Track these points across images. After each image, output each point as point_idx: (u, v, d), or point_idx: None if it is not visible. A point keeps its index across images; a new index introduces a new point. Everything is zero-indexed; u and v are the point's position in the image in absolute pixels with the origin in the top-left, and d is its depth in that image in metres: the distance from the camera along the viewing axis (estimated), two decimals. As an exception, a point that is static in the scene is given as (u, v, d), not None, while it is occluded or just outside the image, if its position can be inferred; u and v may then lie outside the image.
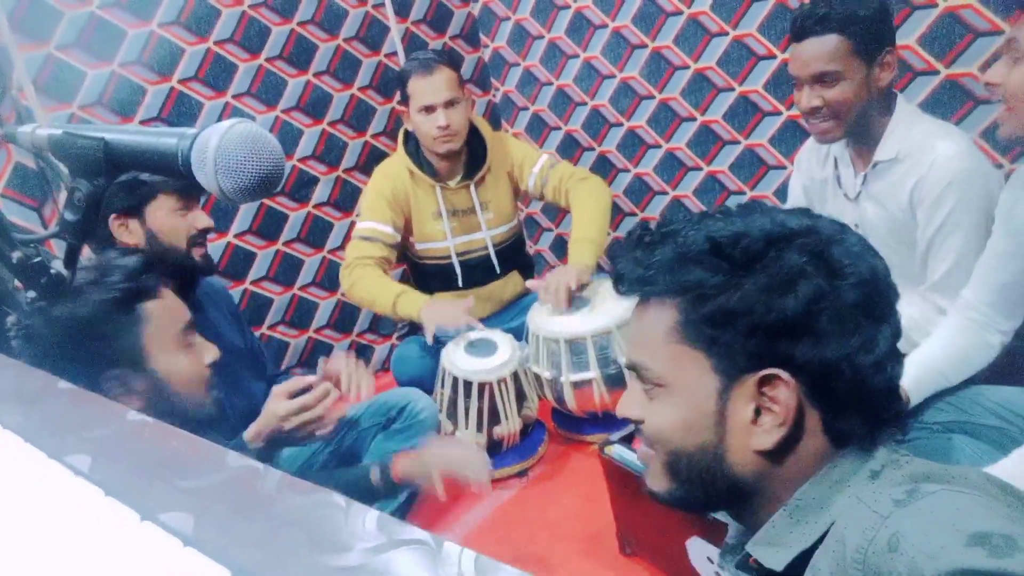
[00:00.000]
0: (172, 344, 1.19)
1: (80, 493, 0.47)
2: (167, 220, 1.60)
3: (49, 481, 0.49)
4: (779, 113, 2.28)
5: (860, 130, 1.64)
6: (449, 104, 2.21)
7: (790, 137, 2.28)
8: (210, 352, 1.27)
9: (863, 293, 0.69)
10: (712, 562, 1.44)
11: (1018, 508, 0.60)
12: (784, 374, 0.69)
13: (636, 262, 0.74)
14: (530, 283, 2.26)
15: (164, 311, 1.20)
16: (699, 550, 1.46)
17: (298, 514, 0.40)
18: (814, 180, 1.86)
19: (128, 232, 1.60)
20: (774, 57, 2.21)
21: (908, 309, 1.57)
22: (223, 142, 0.66)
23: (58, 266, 0.77)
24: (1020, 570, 0.51)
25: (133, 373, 1.15)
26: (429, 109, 2.20)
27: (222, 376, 1.62)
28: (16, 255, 0.75)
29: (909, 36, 1.89)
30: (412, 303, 2.15)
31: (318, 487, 0.41)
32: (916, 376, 1.42)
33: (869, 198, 1.68)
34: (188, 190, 1.61)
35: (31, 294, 0.78)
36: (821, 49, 1.54)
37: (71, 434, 0.56)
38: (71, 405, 0.62)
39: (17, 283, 0.81)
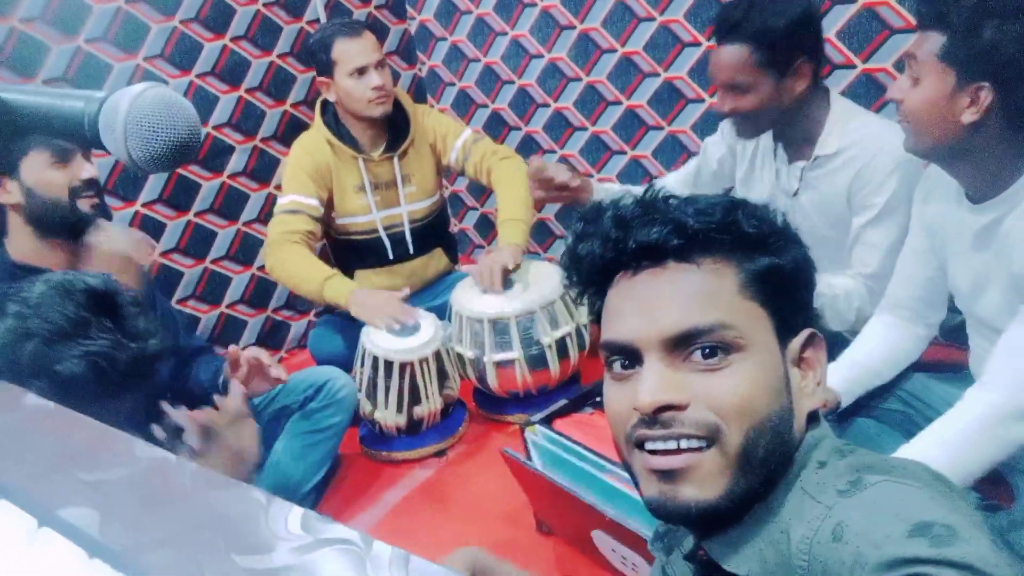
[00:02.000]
0: None
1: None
2: (44, 174, 1.54)
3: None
4: (702, 100, 2.31)
5: (788, 130, 1.69)
6: (379, 65, 2.16)
7: (712, 125, 2.31)
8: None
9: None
10: (616, 552, 1.47)
11: (955, 498, 0.62)
12: (818, 333, 0.72)
13: (695, 217, 0.68)
14: (465, 267, 2.23)
15: None
16: (604, 541, 1.49)
17: (215, 511, 0.38)
18: (739, 164, 1.89)
19: (6, 192, 1.54)
20: (699, 44, 2.24)
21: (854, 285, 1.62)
22: (134, 107, 0.61)
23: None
24: (960, 558, 0.52)
25: None
26: (361, 71, 2.14)
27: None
28: None
29: (829, 30, 1.94)
30: (340, 289, 2.09)
31: (236, 481, 0.39)
32: (851, 377, 1.45)
33: (807, 189, 1.72)
34: (64, 144, 1.54)
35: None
36: (731, 59, 1.57)
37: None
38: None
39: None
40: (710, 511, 0.66)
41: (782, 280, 0.70)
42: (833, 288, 1.61)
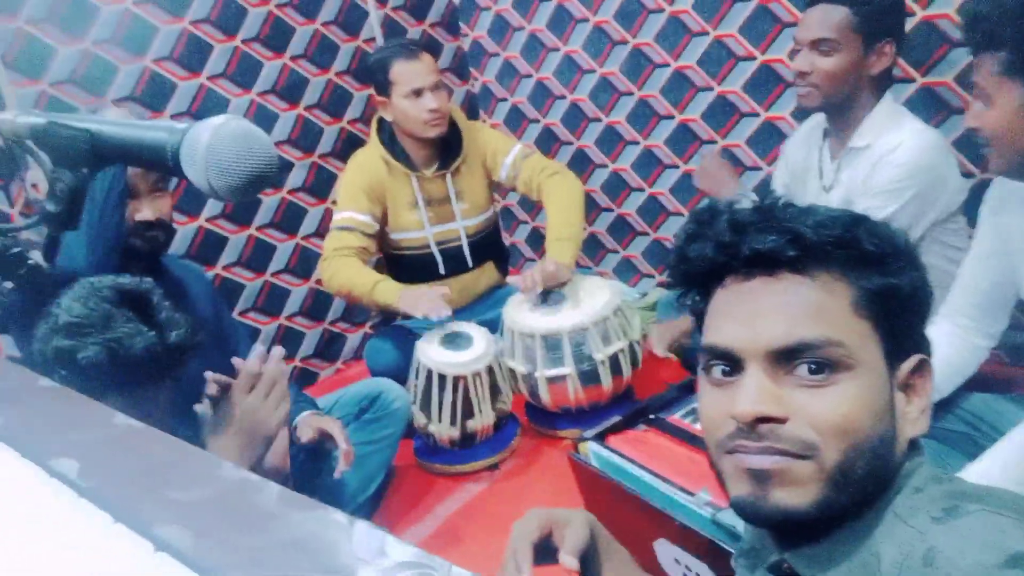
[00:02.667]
0: None
1: (68, 504, 0.46)
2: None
3: (33, 490, 0.48)
4: (756, 115, 2.30)
5: (842, 113, 1.69)
6: (436, 87, 2.19)
7: (766, 139, 2.30)
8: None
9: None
10: (679, 563, 1.46)
11: None
12: (928, 360, 0.71)
13: (813, 230, 0.66)
14: (512, 279, 2.25)
15: None
16: (666, 552, 1.48)
17: (298, 532, 0.40)
18: (796, 170, 1.89)
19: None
20: (753, 59, 2.23)
21: None
22: (215, 139, 0.64)
23: (37, 257, 0.75)
24: None
25: None
26: (418, 93, 2.18)
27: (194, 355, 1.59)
28: (-7, 245, 0.73)
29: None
30: (389, 290, 2.14)
31: (318, 503, 0.41)
32: None
33: (839, 185, 1.72)
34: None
35: (8, 284, 0.76)
36: (826, 16, 1.61)
37: (55, 436, 0.55)
38: (53, 405, 0.61)
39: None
40: (798, 518, 0.65)
41: (897, 302, 0.68)
42: None
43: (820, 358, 0.64)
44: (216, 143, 0.64)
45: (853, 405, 0.64)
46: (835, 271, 0.67)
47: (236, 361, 1.12)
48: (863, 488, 0.65)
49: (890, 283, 0.67)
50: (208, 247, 2.43)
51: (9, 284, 0.76)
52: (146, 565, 0.38)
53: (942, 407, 1.48)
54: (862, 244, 0.66)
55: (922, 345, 0.72)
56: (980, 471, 1.12)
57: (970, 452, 1.45)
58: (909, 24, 1.87)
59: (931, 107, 1.91)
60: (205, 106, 2.35)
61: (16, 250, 0.74)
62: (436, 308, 2.06)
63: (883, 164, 1.62)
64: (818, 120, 1.85)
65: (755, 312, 0.67)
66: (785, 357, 0.65)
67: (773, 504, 0.65)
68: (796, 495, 0.64)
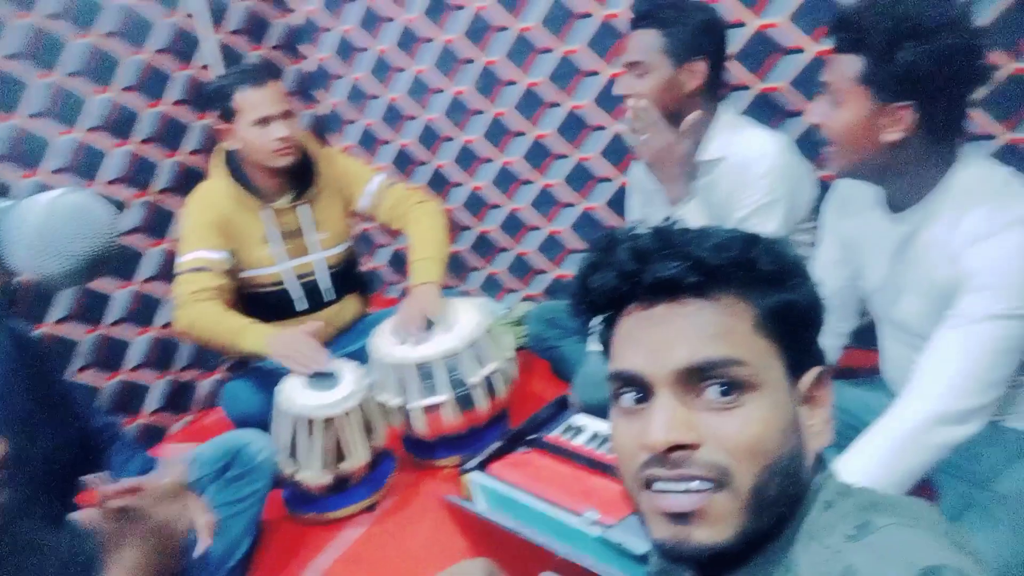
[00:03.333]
0: None
1: None
2: None
3: None
4: (605, 127, 2.33)
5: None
6: (285, 115, 2.07)
7: (619, 150, 2.34)
8: None
9: None
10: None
11: (958, 537, 0.62)
12: (826, 371, 0.71)
13: (712, 253, 0.67)
14: (384, 325, 2.14)
15: None
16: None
17: None
18: (647, 191, 1.93)
19: None
20: (597, 73, 2.26)
21: None
22: (49, 220, 0.53)
23: None
24: None
25: None
26: (265, 121, 2.05)
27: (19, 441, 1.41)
28: None
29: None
30: (257, 337, 2.00)
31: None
32: None
33: (692, 196, 1.76)
34: None
35: None
36: (639, 40, 1.69)
37: None
38: None
39: None
40: (723, 553, 0.65)
41: (795, 317, 0.69)
42: None
43: (727, 378, 0.65)
44: (48, 225, 0.53)
45: (762, 425, 0.65)
46: (735, 292, 0.68)
47: (133, 482, 1.05)
48: (778, 509, 0.66)
49: (788, 300, 0.68)
50: (33, 301, 2.19)
51: None
52: None
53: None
54: (759, 264, 0.68)
55: (819, 356, 0.72)
56: (854, 463, 1.15)
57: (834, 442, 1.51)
58: (746, 33, 1.95)
59: (768, 112, 2.00)
60: (26, 147, 2.13)
61: None
62: (315, 361, 1.94)
63: (746, 177, 1.68)
64: None
65: (661, 338, 0.68)
66: (692, 379, 0.66)
67: (695, 544, 0.65)
68: (716, 531, 0.64)
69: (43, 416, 1.50)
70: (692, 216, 1.74)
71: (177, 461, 1.08)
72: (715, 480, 0.64)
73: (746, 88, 2.01)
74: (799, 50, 1.92)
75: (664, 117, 1.68)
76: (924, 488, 1.41)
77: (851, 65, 1.22)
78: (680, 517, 0.65)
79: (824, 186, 1.72)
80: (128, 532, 1.04)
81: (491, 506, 1.58)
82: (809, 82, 1.92)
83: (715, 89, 1.75)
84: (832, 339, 1.55)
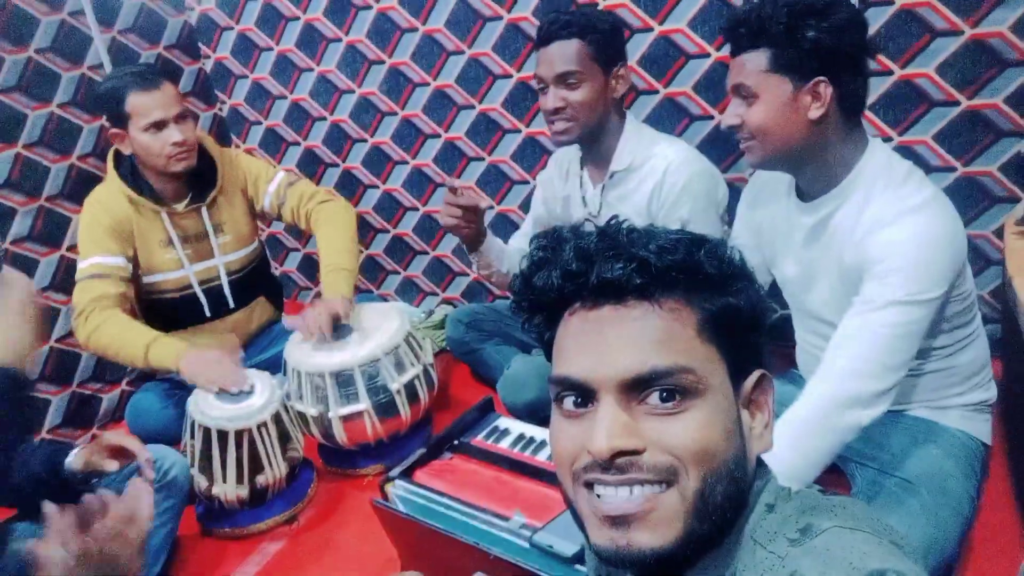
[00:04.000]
0: None
1: None
2: None
3: None
4: (519, 131, 2.35)
5: (595, 140, 1.78)
6: (179, 118, 1.99)
7: (531, 153, 2.36)
8: None
9: None
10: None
11: (896, 538, 0.63)
12: (768, 374, 0.71)
13: (657, 255, 0.66)
14: (287, 321, 2.10)
15: None
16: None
17: None
18: (556, 196, 1.96)
19: None
20: (510, 76, 2.28)
21: None
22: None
23: None
24: None
25: None
26: (159, 125, 1.97)
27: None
28: None
29: (632, 57, 2.03)
30: (167, 353, 1.92)
31: None
32: None
33: (608, 208, 1.81)
34: None
35: None
36: (565, 51, 1.68)
37: None
38: None
39: None
40: (665, 557, 0.64)
41: (738, 321, 0.68)
42: None
43: (671, 385, 0.65)
44: None
45: (706, 430, 0.65)
46: (679, 296, 0.67)
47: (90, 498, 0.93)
48: (722, 514, 0.66)
49: (731, 304, 0.68)
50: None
51: None
52: None
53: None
54: (704, 267, 0.67)
55: (761, 360, 0.73)
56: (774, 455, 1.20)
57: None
58: (648, 39, 2.01)
59: (674, 116, 2.06)
60: None
61: None
62: (234, 379, 1.89)
63: (664, 191, 1.72)
64: (568, 152, 1.93)
65: (606, 343, 0.67)
66: (637, 386, 0.65)
67: (637, 549, 0.64)
68: (659, 535, 0.64)
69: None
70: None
71: (141, 487, 0.95)
72: (661, 481, 0.64)
73: (655, 93, 2.07)
74: (704, 55, 1.99)
75: (591, 128, 1.72)
76: (837, 477, 1.49)
77: (758, 59, 1.28)
78: (620, 521, 0.64)
79: (734, 190, 1.80)
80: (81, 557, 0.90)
81: (417, 511, 1.57)
82: (712, 87, 2.00)
83: (625, 95, 1.79)
84: None
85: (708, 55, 1.98)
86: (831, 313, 1.38)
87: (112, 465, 1.52)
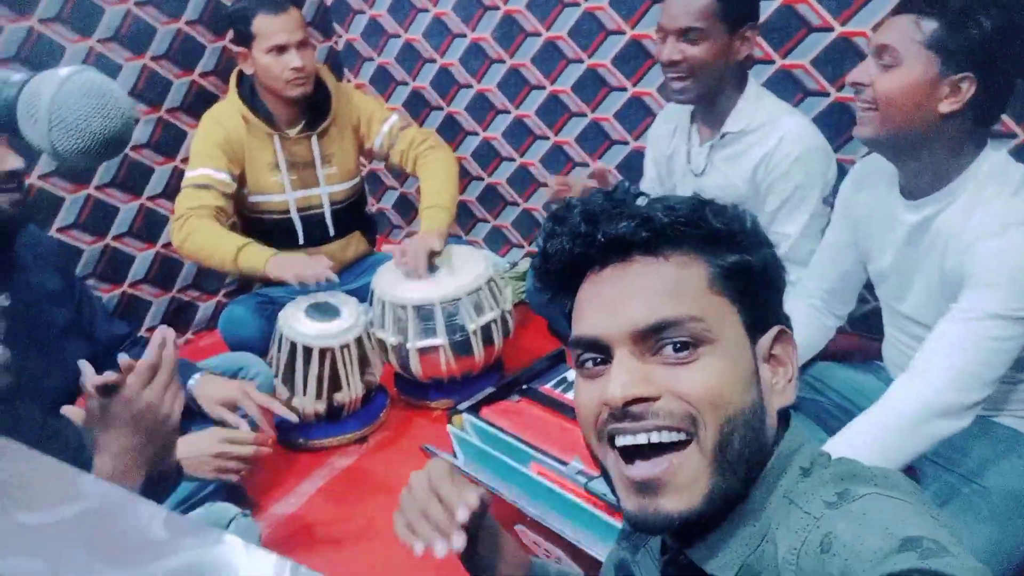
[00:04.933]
0: None
1: None
2: None
3: None
4: (625, 89, 2.32)
5: (711, 99, 1.71)
6: (301, 44, 2.07)
7: (634, 114, 2.34)
8: None
9: None
10: (539, 546, 1.48)
11: (935, 510, 0.63)
12: (788, 330, 0.72)
13: (663, 212, 0.68)
14: (387, 247, 2.18)
15: None
16: (527, 536, 1.50)
17: (183, 560, 0.34)
18: (663, 156, 1.92)
19: None
20: (623, 33, 2.25)
21: None
22: (61, 95, 0.55)
23: None
24: (944, 568, 0.53)
25: None
26: (281, 49, 2.04)
27: (39, 358, 1.44)
28: None
29: (751, 25, 1.97)
30: (256, 255, 2.02)
31: (206, 526, 0.36)
32: None
33: (713, 169, 1.76)
34: None
35: None
36: (691, 4, 1.60)
37: None
38: None
39: None
40: (693, 519, 0.66)
41: (751, 277, 0.70)
42: None
43: (683, 335, 0.66)
44: (62, 99, 0.55)
45: (719, 377, 0.66)
46: (688, 251, 0.69)
47: (124, 359, 0.99)
48: (744, 466, 0.66)
49: (742, 259, 0.69)
50: (41, 207, 2.19)
51: None
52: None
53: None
54: (710, 223, 0.69)
55: (781, 317, 0.74)
56: (846, 443, 1.18)
57: (817, 416, 1.55)
58: (771, 7, 1.94)
59: (789, 88, 2.00)
60: (36, 54, 2.11)
61: None
62: (318, 272, 1.95)
63: (776, 160, 1.65)
64: (677, 107, 1.87)
65: (615, 297, 0.69)
66: (649, 337, 0.67)
67: (665, 513, 0.66)
68: (684, 497, 0.65)
69: (69, 325, 1.54)
70: (710, 191, 1.75)
71: (168, 341, 1.02)
72: (679, 428, 0.65)
73: (770, 63, 2.01)
74: (827, 28, 1.92)
75: (708, 87, 1.67)
76: (907, 474, 1.45)
77: (917, 28, 1.18)
78: (647, 487, 0.66)
79: (843, 170, 1.73)
80: (114, 415, 0.97)
81: (469, 458, 1.62)
82: (831, 62, 1.92)
83: (751, 57, 1.71)
84: (830, 320, 1.58)
85: (832, 29, 1.91)
86: (925, 315, 1.33)
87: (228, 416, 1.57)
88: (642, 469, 0.66)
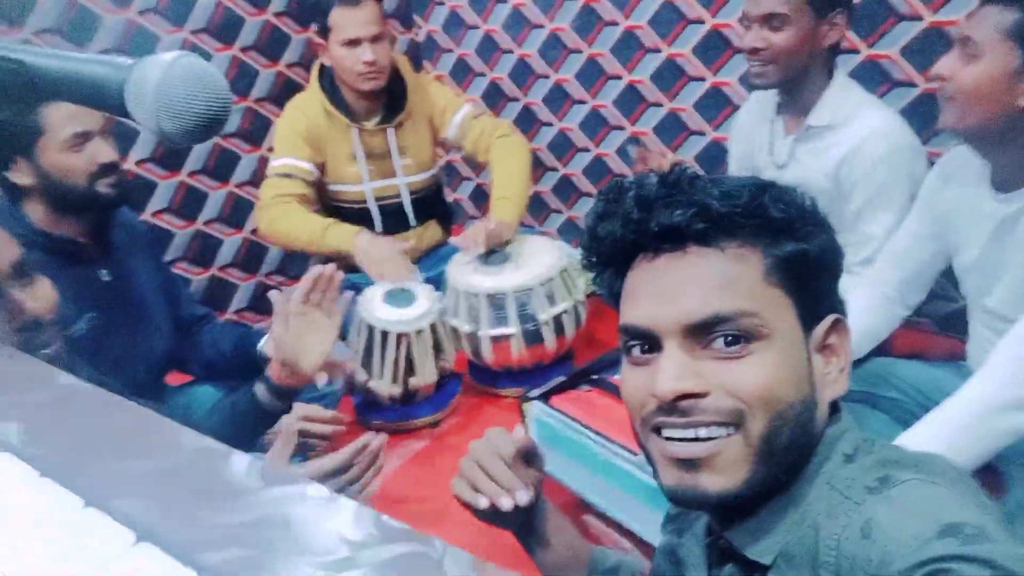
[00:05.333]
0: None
1: (8, 470, 0.42)
2: (60, 158, 1.42)
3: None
4: (704, 79, 2.30)
5: (796, 89, 1.67)
6: (375, 39, 2.11)
7: (713, 104, 2.31)
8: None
9: None
10: (608, 536, 1.48)
11: (981, 495, 0.62)
12: (843, 319, 0.71)
13: (720, 200, 0.66)
14: (454, 239, 2.21)
15: None
16: (596, 526, 1.50)
17: (276, 508, 0.37)
18: (746, 146, 1.89)
19: (20, 173, 1.42)
20: (703, 22, 2.22)
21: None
22: (166, 78, 0.59)
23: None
24: (986, 555, 0.52)
25: None
26: (354, 43, 2.09)
27: (130, 329, 1.53)
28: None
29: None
30: (343, 234, 2.08)
31: (296, 476, 0.38)
32: None
33: (796, 163, 1.72)
34: (80, 127, 1.46)
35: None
36: None
37: (-13, 397, 0.50)
38: (-17, 362, 0.56)
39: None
40: (730, 499, 0.66)
41: (808, 266, 0.68)
42: None
43: (735, 330, 0.65)
44: (167, 81, 0.59)
45: (772, 373, 0.65)
46: (744, 241, 0.67)
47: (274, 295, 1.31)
48: (789, 457, 0.66)
49: (800, 248, 0.67)
50: (135, 192, 2.31)
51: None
52: (115, 547, 0.35)
53: (877, 376, 1.53)
54: (769, 211, 0.66)
55: (836, 305, 0.72)
56: (914, 440, 1.15)
57: (900, 418, 1.51)
58: (860, -5, 1.89)
59: (875, 79, 1.94)
60: (134, 43, 2.22)
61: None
62: (400, 277, 2.03)
63: (861, 158, 1.59)
64: (766, 94, 1.84)
65: (667, 289, 0.67)
66: (701, 331, 0.65)
67: (703, 489, 0.65)
68: (725, 477, 0.65)
69: (155, 301, 1.63)
70: (791, 179, 1.72)
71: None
72: (727, 423, 0.64)
73: (855, 52, 1.95)
74: (916, 17, 1.85)
75: (791, 74, 1.62)
76: (992, 478, 1.40)
77: (1003, 17, 1.16)
78: (688, 463, 0.65)
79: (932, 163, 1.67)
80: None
81: (543, 440, 1.63)
82: (920, 52, 1.86)
83: (839, 46, 1.66)
84: (901, 309, 1.54)
85: (921, 19, 1.84)
86: (1012, 310, 1.28)
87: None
88: (683, 447, 0.66)
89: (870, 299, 1.53)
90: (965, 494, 0.61)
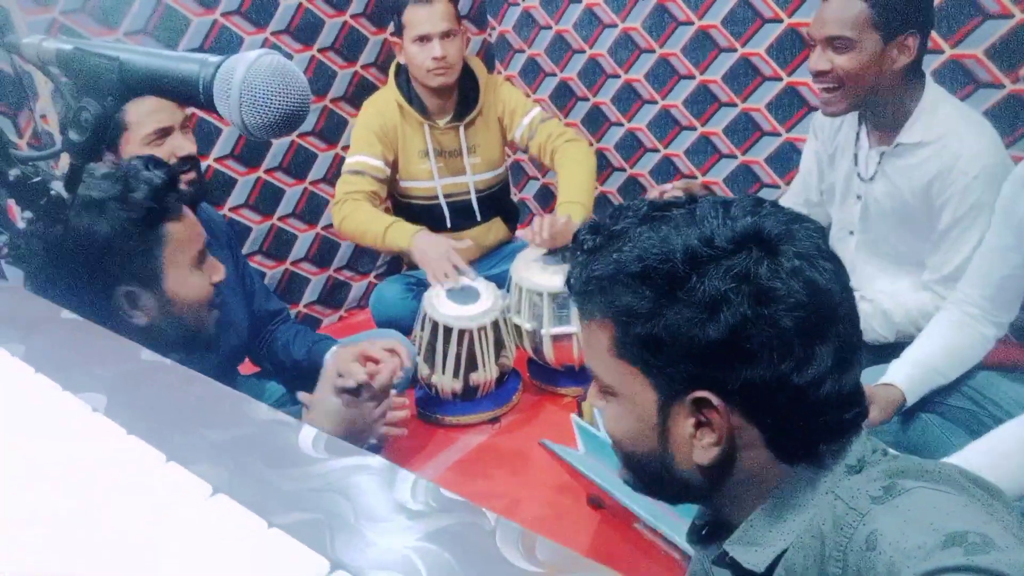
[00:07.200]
0: (187, 264, 1.20)
1: (99, 430, 0.45)
2: (142, 152, 1.49)
3: (65, 415, 0.47)
4: (779, 79, 2.26)
5: (877, 109, 1.61)
6: (446, 35, 2.15)
7: (787, 104, 2.27)
8: (217, 272, 1.28)
9: (796, 317, 0.66)
10: (656, 543, 1.47)
11: (990, 501, 0.61)
12: (714, 398, 0.68)
13: (579, 272, 0.75)
14: (521, 232, 2.25)
15: (185, 232, 1.20)
16: (644, 534, 1.49)
17: (338, 477, 0.39)
18: (825, 151, 1.83)
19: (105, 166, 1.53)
20: (780, 21, 2.18)
21: (916, 296, 1.60)
22: (249, 74, 0.62)
23: (58, 187, 0.74)
24: (989, 565, 0.51)
25: (144, 291, 1.15)
26: (425, 39, 2.14)
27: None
28: (14, 173, 0.72)
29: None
30: (402, 233, 2.14)
31: (356, 448, 0.41)
32: (912, 376, 1.41)
33: (883, 177, 1.66)
34: (162, 122, 1.54)
35: (28, 214, 0.75)
36: (842, 13, 1.50)
37: (79, 369, 0.54)
38: (76, 338, 0.60)
39: (10, 202, 0.78)
40: (634, 489, 0.81)
41: (659, 347, 0.69)
42: (895, 299, 1.59)
43: (599, 384, 0.78)
44: (251, 78, 0.62)
45: (615, 423, 0.77)
46: (603, 315, 0.73)
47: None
48: (659, 484, 0.77)
49: (648, 332, 0.69)
50: (216, 187, 2.41)
51: (29, 214, 0.75)
52: (194, 496, 0.37)
53: (949, 384, 1.48)
54: (620, 296, 0.71)
55: (703, 381, 0.69)
56: (962, 459, 1.12)
57: (973, 429, 1.46)
58: (943, -7, 1.83)
59: (958, 79, 1.88)
60: (218, 43, 2.31)
61: (37, 179, 0.72)
62: (447, 276, 2.07)
63: (953, 176, 1.53)
64: None
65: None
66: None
67: (619, 473, 0.83)
68: (622, 470, 0.81)
69: (233, 295, 1.70)
70: (878, 198, 1.67)
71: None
72: None
73: (939, 52, 1.89)
74: (1005, 16, 1.78)
75: (860, 98, 1.57)
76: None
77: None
78: None
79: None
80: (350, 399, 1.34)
81: (592, 449, 1.63)
82: (1007, 52, 1.79)
83: (921, 62, 1.57)
84: (989, 329, 1.47)
85: (1011, 16, 1.77)
86: None
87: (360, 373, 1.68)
88: None
89: (951, 319, 1.47)
90: (973, 500, 0.60)
